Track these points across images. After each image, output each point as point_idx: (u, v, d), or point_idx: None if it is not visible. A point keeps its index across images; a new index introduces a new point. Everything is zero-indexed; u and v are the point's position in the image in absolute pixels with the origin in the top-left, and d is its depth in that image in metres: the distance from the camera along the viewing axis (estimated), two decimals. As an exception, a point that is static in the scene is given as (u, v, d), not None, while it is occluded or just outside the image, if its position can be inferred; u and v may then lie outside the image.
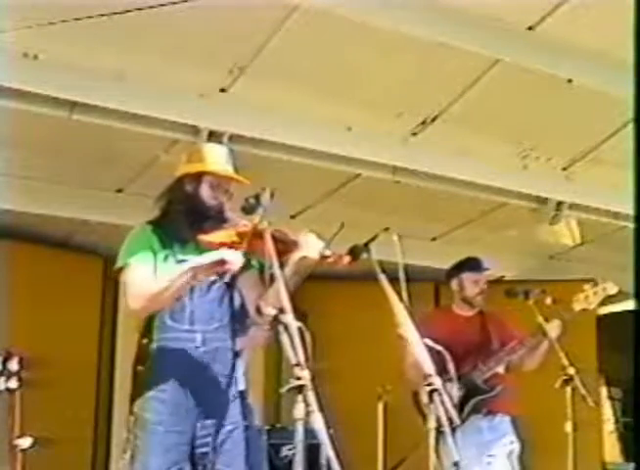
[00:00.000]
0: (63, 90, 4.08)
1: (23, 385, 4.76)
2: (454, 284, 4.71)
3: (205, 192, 3.14)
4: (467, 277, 4.66)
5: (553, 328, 4.33)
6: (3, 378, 4.69)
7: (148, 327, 3.06)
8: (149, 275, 3.02)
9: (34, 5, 3.58)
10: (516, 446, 4.53)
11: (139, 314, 3.05)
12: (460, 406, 4.47)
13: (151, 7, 3.64)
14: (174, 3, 3.59)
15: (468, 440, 4.41)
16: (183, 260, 3.04)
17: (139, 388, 3.02)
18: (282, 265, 2.84)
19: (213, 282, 3.08)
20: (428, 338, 4.62)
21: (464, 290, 4.67)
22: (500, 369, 4.53)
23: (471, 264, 4.68)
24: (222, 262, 2.86)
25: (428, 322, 4.74)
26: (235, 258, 2.86)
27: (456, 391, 4.35)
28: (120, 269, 3.08)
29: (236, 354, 3.13)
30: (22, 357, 4.81)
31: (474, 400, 4.48)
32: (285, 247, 2.97)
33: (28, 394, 4.82)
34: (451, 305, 4.75)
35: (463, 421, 4.46)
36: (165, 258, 3.07)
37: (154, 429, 2.95)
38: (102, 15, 3.66)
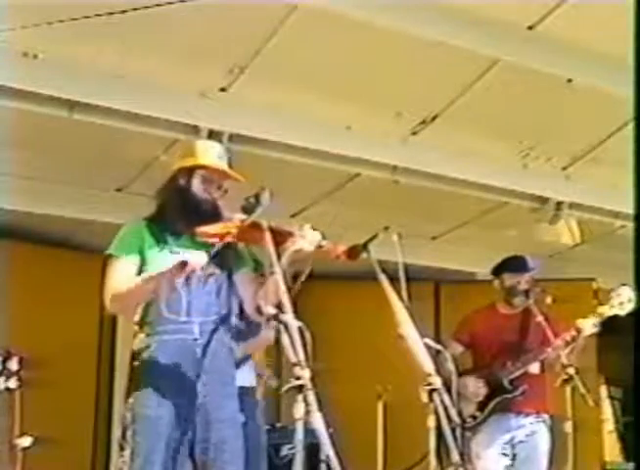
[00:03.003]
0: (63, 90, 4.08)
1: (23, 385, 4.77)
2: (496, 283, 4.72)
3: (197, 186, 3.15)
4: (507, 278, 4.66)
5: (588, 326, 4.35)
6: (3, 378, 4.69)
7: (143, 319, 3.06)
8: (126, 274, 3.04)
9: (34, 5, 3.59)
10: (539, 446, 4.54)
11: (111, 312, 3.10)
12: (484, 404, 4.49)
13: (149, 7, 3.64)
14: (173, 3, 3.59)
15: (493, 437, 4.45)
16: (178, 252, 3.06)
17: (136, 382, 3.00)
18: (279, 257, 2.85)
19: (211, 274, 3.08)
20: (467, 334, 4.69)
21: (504, 290, 4.67)
22: (533, 369, 4.53)
23: (511, 265, 4.67)
24: (183, 265, 2.84)
25: (470, 319, 4.79)
26: (196, 260, 2.85)
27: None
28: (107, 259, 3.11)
29: (231, 349, 3.14)
30: (21, 357, 4.81)
31: (496, 400, 4.49)
32: (280, 237, 2.98)
33: (28, 393, 4.82)
34: (496, 303, 4.76)
35: (485, 419, 4.49)
36: (161, 249, 3.08)
37: (153, 425, 2.92)
38: (101, 15, 3.66)
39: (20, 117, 4.16)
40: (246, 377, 4.09)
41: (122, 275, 3.03)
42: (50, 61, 3.97)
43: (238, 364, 4.22)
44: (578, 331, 4.34)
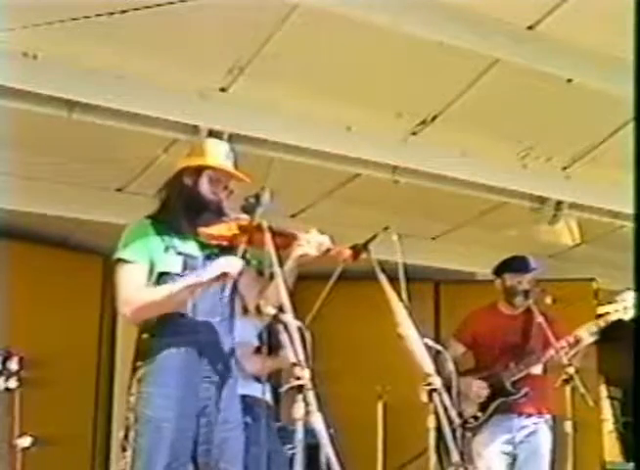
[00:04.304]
0: (62, 90, 4.08)
1: (23, 384, 4.77)
2: (497, 283, 4.72)
3: (205, 186, 3.14)
4: (509, 277, 4.66)
5: (586, 335, 4.36)
6: (3, 378, 4.70)
7: (148, 321, 3.02)
8: (141, 280, 3.01)
9: (34, 5, 3.58)
10: (541, 446, 4.55)
11: (129, 320, 3.04)
12: (485, 405, 4.49)
13: (149, 7, 3.63)
14: (174, 3, 3.59)
15: (495, 436, 4.45)
16: (182, 253, 3.05)
17: (139, 384, 2.97)
18: (281, 260, 2.84)
19: None
20: (469, 334, 4.69)
21: (505, 290, 4.67)
22: (536, 370, 4.53)
23: (512, 265, 4.67)
24: (224, 275, 2.83)
25: (472, 319, 4.79)
26: (234, 267, 2.84)
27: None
28: (116, 262, 3.07)
29: (233, 350, 3.13)
30: (21, 357, 4.82)
31: (498, 401, 4.49)
32: (284, 241, 2.97)
33: (28, 393, 4.82)
34: (498, 303, 4.75)
35: (486, 420, 4.49)
36: (166, 249, 3.06)
37: (157, 426, 2.91)
38: (101, 15, 3.66)
39: (19, 117, 4.15)
40: (261, 390, 4.10)
41: (140, 281, 3.00)
42: (50, 61, 3.96)
43: (260, 379, 4.26)
44: (577, 340, 4.34)
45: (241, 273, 2.92)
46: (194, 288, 2.91)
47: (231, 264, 2.84)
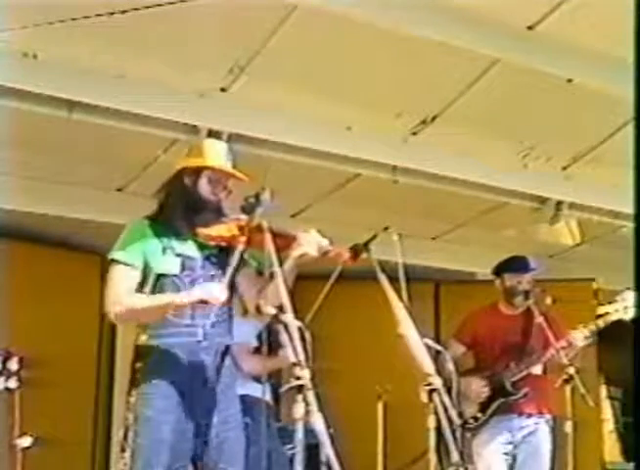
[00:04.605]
0: (62, 90, 4.08)
1: (23, 385, 4.77)
2: (497, 283, 4.72)
3: (204, 187, 3.14)
4: (508, 277, 4.66)
5: (579, 338, 4.37)
6: (3, 378, 4.70)
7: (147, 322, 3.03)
8: (132, 283, 3.02)
9: (34, 5, 3.58)
10: (541, 446, 4.55)
11: (113, 319, 3.03)
12: (485, 405, 4.49)
13: (149, 7, 3.63)
14: (174, 3, 3.59)
15: (495, 437, 4.45)
16: (181, 254, 3.06)
17: (139, 384, 2.98)
18: (281, 261, 2.84)
19: (213, 276, 3.07)
20: (469, 334, 4.69)
21: (505, 290, 4.67)
22: (536, 370, 4.53)
23: (512, 265, 4.67)
24: (202, 302, 2.86)
25: (471, 319, 4.79)
26: (217, 296, 2.85)
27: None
28: (110, 262, 3.08)
29: (232, 350, 3.13)
30: (21, 357, 4.82)
31: (499, 401, 4.49)
32: (284, 242, 2.97)
33: (28, 393, 4.82)
34: (498, 303, 4.75)
35: (487, 420, 4.49)
36: (164, 250, 3.06)
37: (156, 426, 2.91)
38: (101, 15, 3.66)
39: (19, 117, 4.15)
40: (261, 390, 4.11)
41: (131, 284, 3.01)
42: (50, 61, 3.97)
43: (260, 379, 4.25)
44: (570, 343, 4.35)
45: (237, 269, 2.93)
46: (174, 306, 2.94)
47: (212, 295, 2.85)
